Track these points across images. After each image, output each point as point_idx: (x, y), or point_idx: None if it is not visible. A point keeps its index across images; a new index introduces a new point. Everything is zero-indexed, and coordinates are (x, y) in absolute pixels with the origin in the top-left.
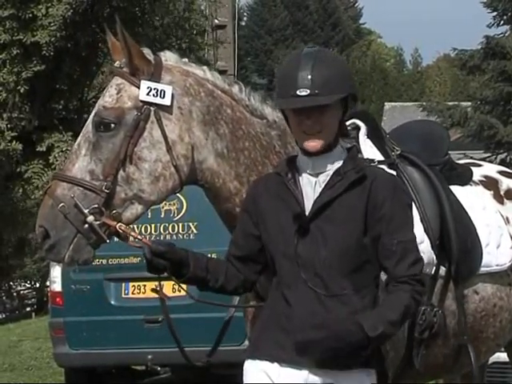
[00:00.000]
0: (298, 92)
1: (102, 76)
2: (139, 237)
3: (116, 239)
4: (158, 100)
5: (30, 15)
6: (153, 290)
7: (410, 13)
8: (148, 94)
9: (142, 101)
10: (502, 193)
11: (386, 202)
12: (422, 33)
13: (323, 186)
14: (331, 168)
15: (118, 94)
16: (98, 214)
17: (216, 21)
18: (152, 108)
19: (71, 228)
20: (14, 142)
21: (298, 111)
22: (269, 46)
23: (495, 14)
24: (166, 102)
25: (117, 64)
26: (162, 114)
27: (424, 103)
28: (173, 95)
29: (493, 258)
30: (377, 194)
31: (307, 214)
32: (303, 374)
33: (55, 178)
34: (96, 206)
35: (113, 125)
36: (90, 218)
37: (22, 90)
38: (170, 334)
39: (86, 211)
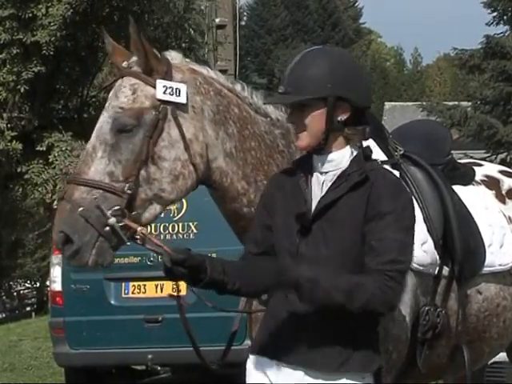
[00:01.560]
0: (279, 89)
1: (101, 76)
2: (159, 243)
3: None
4: (174, 98)
5: (30, 15)
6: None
7: (409, 13)
8: (164, 93)
9: (159, 100)
10: (503, 192)
11: (381, 200)
12: (422, 33)
13: (329, 185)
14: (339, 169)
15: (133, 94)
16: (119, 216)
17: (216, 20)
18: (169, 107)
19: (93, 231)
20: (14, 142)
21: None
22: (269, 45)
23: (495, 14)
24: (182, 100)
25: (124, 64)
26: (178, 112)
27: (424, 103)
28: (187, 93)
29: (496, 257)
30: (374, 194)
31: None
32: (298, 375)
33: (71, 182)
34: (118, 207)
35: (131, 125)
36: (112, 221)
37: (22, 90)
38: (188, 337)
39: (108, 213)
